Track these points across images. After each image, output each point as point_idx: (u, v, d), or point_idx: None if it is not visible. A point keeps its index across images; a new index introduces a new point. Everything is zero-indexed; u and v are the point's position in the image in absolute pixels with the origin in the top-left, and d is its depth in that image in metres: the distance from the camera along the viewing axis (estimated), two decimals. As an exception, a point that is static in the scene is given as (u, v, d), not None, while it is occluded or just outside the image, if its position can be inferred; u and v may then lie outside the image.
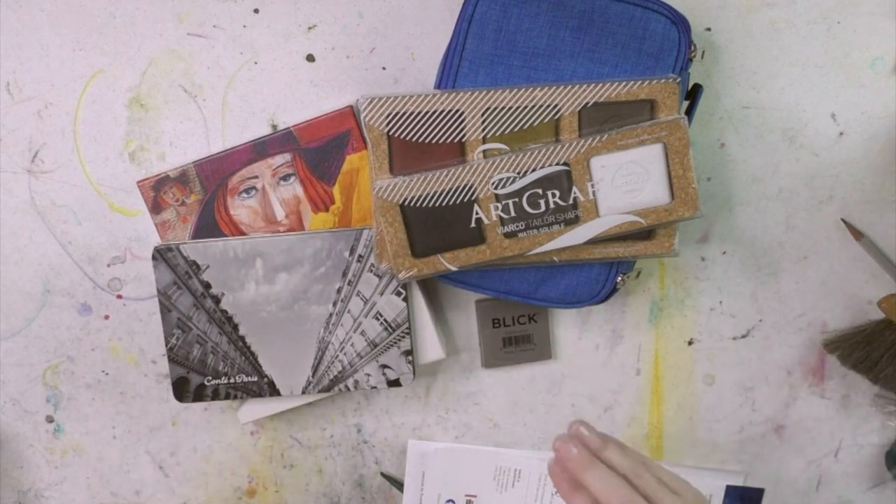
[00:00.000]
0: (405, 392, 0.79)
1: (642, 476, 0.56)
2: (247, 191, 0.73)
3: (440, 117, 0.65)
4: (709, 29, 0.72)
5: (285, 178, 0.73)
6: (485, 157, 0.65)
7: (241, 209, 0.74)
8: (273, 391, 0.74)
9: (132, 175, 0.75)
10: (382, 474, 0.81)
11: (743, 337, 0.78)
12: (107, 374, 0.78)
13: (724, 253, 0.76)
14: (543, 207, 0.65)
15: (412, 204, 0.65)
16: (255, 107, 0.74)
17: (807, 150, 0.74)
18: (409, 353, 0.73)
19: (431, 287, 0.77)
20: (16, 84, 0.75)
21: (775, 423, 0.79)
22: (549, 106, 0.64)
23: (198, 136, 0.75)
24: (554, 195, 0.64)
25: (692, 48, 0.65)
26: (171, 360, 0.73)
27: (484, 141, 0.65)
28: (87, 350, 0.78)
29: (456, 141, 0.65)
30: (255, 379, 0.74)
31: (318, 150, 0.73)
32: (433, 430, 0.80)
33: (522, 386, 0.79)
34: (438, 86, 0.66)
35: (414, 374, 0.73)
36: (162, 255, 0.71)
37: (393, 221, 0.65)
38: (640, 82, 0.63)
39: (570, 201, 0.64)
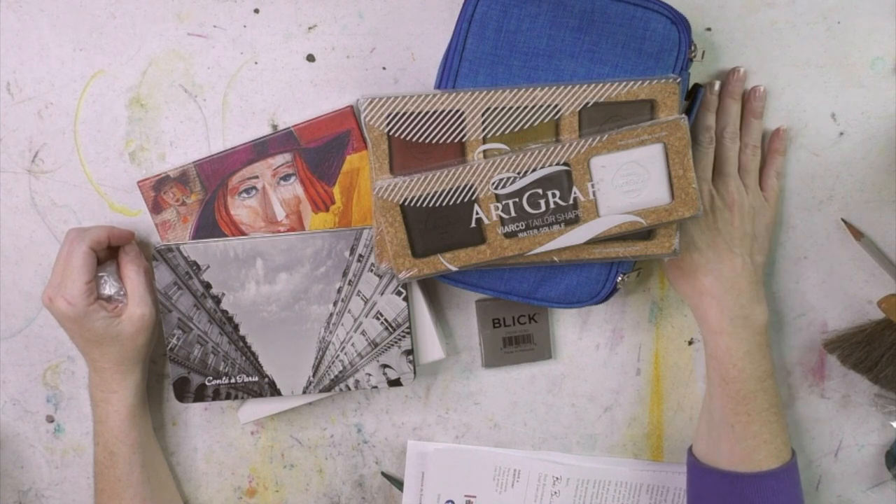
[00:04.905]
0: (405, 392, 0.79)
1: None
2: (247, 191, 0.74)
3: (440, 117, 0.65)
4: (709, 29, 0.72)
5: (285, 178, 0.73)
6: (485, 157, 0.65)
7: (242, 209, 0.74)
8: (274, 391, 0.74)
9: (132, 175, 0.75)
10: (383, 474, 0.81)
11: (743, 337, 0.78)
12: (107, 374, 0.78)
13: (724, 253, 0.76)
14: (543, 207, 0.65)
15: (412, 204, 0.65)
16: (256, 107, 0.74)
17: (807, 150, 0.74)
18: (409, 352, 0.73)
19: (431, 287, 0.77)
20: (16, 84, 0.75)
21: (775, 423, 0.79)
22: (549, 106, 0.64)
23: (198, 136, 0.75)
24: (554, 195, 0.64)
25: (692, 48, 0.65)
26: (171, 360, 0.73)
27: (484, 141, 0.65)
28: (87, 350, 0.78)
29: (456, 141, 0.65)
30: (256, 379, 0.74)
31: (319, 150, 0.73)
32: (433, 430, 0.80)
33: (522, 386, 0.79)
34: (438, 86, 0.66)
35: (414, 373, 0.73)
36: (162, 256, 0.71)
37: (393, 221, 0.65)
38: (640, 82, 0.63)
39: (571, 201, 0.64)
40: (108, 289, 0.71)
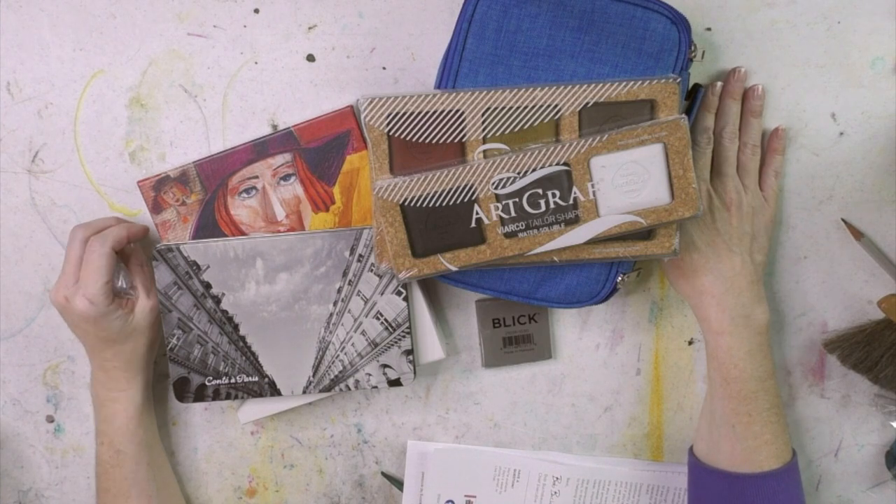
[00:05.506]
0: (405, 392, 0.79)
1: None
2: (247, 191, 0.74)
3: (440, 117, 0.65)
4: (709, 29, 0.72)
5: (285, 177, 0.73)
6: (485, 157, 0.65)
7: (242, 209, 0.74)
8: (274, 391, 0.74)
9: (132, 175, 0.75)
10: (383, 474, 0.81)
11: (743, 337, 0.78)
12: (107, 374, 0.78)
13: (724, 253, 0.76)
14: (543, 207, 0.65)
15: (412, 204, 0.65)
16: (256, 107, 0.74)
17: (807, 150, 0.74)
18: (409, 352, 0.73)
19: (431, 287, 0.77)
20: (16, 84, 0.75)
21: (775, 423, 0.79)
22: (549, 106, 0.64)
23: (198, 136, 0.75)
24: (554, 195, 0.64)
25: (692, 48, 0.65)
26: (171, 360, 0.73)
27: (484, 141, 0.65)
28: (87, 350, 0.78)
29: (456, 141, 0.65)
30: (256, 379, 0.74)
31: (319, 150, 0.73)
32: (433, 430, 0.80)
33: (522, 386, 0.79)
34: (439, 86, 0.66)
35: (414, 373, 0.73)
36: (162, 256, 0.71)
37: (393, 221, 0.65)
38: (640, 82, 0.63)
39: (571, 201, 0.64)
40: (120, 282, 0.71)
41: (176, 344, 0.73)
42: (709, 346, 0.71)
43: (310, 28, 0.73)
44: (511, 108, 0.64)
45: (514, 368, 0.79)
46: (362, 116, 0.65)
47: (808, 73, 0.73)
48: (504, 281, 0.69)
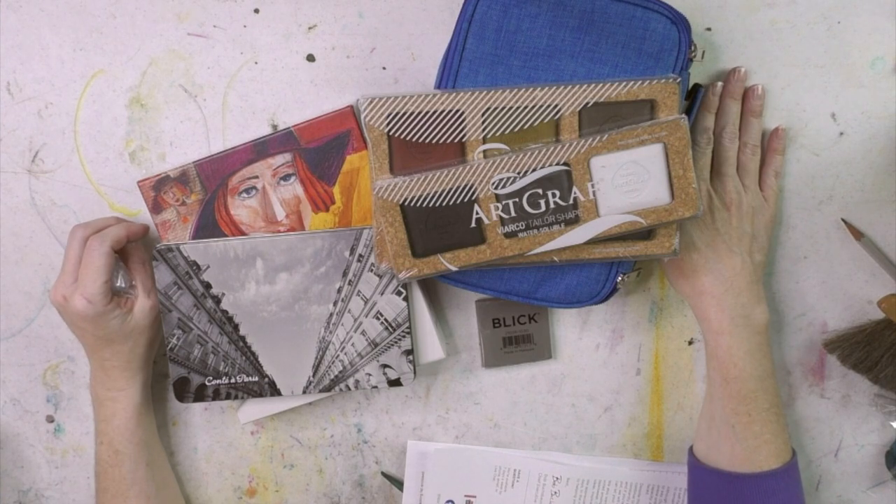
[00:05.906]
0: (405, 392, 0.79)
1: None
2: (247, 191, 0.74)
3: (440, 117, 0.65)
4: (709, 29, 0.72)
5: (285, 177, 0.73)
6: (485, 157, 0.65)
7: (242, 209, 0.74)
8: (274, 391, 0.74)
9: (132, 175, 0.75)
10: (383, 474, 0.81)
11: (743, 337, 0.78)
12: (107, 374, 0.78)
13: (724, 253, 0.76)
14: (543, 207, 0.65)
15: (412, 204, 0.65)
16: (256, 107, 0.74)
17: (807, 150, 0.74)
18: (409, 352, 0.73)
19: (431, 287, 0.77)
20: (16, 84, 0.75)
21: (775, 423, 0.79)
22: (549, 106, 0.64)
23: (198, 136, 0.75)
24: (554, 195, 0.64)
25: (692, 48, 0.65)
26: (171, 360, 0.73)
27: (484, 141, 0.65)
28: (87, 350, 0.78)
29: (456, 141, 0.65)
30: (256, 379, 0.74)
31: (319, 150, 0.73)
32: (433, 430, 0.80)
33: (522, 386, 0.79)
34: (439, 86, 0.66)
35: (414, 373, 0.73)
36: (162, 256, 0.71)
37: (393, 221, 0.65)
38: (640, 82, 0.63)
39: (571, 201, 0.64)
40: (119, 282, 0.71)
41: (176, 344, 0.73)
42: (708, 346, 0.71)
43: (310, 28, 0.73)
44: (511, 108, 0.64)
45: (514, 368, 0.79)
46: (362, 116, 0.65)
47: (808, 73, 0.73)
48: (504, 281, 0.69)
